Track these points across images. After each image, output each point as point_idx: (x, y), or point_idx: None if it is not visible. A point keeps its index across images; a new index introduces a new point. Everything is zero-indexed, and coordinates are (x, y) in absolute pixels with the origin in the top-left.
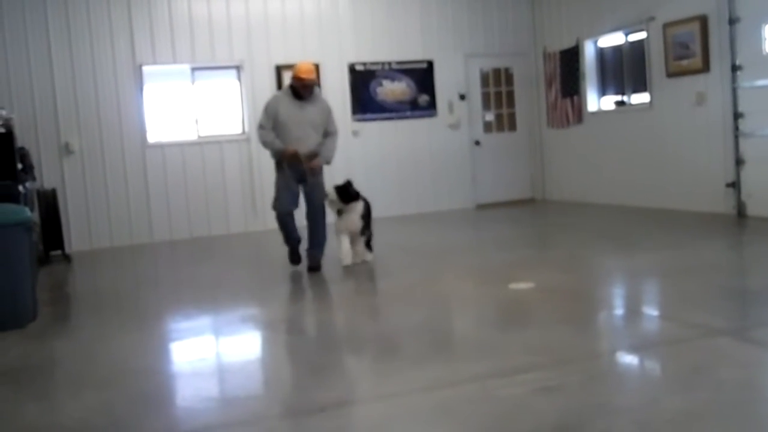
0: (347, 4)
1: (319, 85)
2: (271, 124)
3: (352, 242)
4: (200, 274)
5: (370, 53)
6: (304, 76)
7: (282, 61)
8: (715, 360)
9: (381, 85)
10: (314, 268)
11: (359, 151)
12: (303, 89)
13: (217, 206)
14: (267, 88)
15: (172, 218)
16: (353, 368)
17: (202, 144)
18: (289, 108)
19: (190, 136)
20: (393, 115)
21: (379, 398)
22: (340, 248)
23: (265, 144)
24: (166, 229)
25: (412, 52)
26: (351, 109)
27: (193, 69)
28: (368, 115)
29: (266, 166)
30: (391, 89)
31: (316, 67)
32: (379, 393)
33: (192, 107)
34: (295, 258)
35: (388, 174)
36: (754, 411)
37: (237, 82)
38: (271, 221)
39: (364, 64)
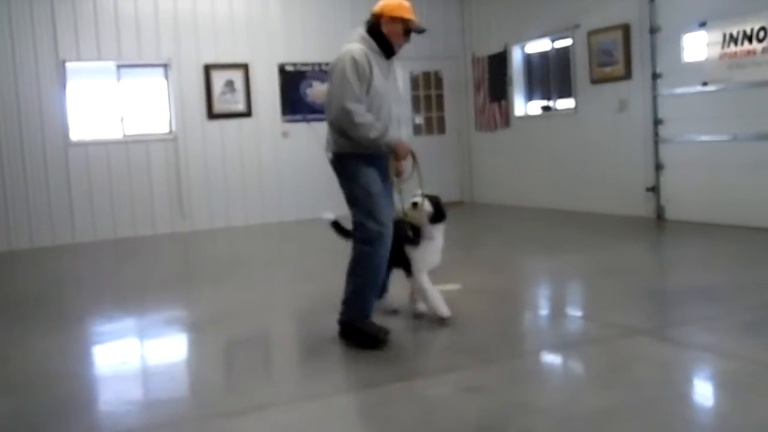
0: (277, 4)
1: (247, 87)
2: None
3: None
4: (125, 275)
5: (301, 54)
6: (412, 17)
7: (211, 60)
8: (632, 359)
9: (311, 86)
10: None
11: (288, 152)
12: (404, 40)
13: (142, 207)
14: (195, 88)
15: (96, 218)
16: (278, 370)
17: (128, 143)
18: (381, 71)
19: (116, 134)
20: (323, 116)
21: (303, 399)
22: (427, 295)
23: (361, 128)
24: (90, 229)
25: None
26: (281, 110)
27: (119, 66)
28: (298, 116)
29: (194, 165)
30: (321, 90)
31: (245, 67)
32: (303, 394)
33: (117, 105)
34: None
35: (317, 175)
36: (668, 408)
37: (164, 81)
38: (200, 221)
39: (294, 64)
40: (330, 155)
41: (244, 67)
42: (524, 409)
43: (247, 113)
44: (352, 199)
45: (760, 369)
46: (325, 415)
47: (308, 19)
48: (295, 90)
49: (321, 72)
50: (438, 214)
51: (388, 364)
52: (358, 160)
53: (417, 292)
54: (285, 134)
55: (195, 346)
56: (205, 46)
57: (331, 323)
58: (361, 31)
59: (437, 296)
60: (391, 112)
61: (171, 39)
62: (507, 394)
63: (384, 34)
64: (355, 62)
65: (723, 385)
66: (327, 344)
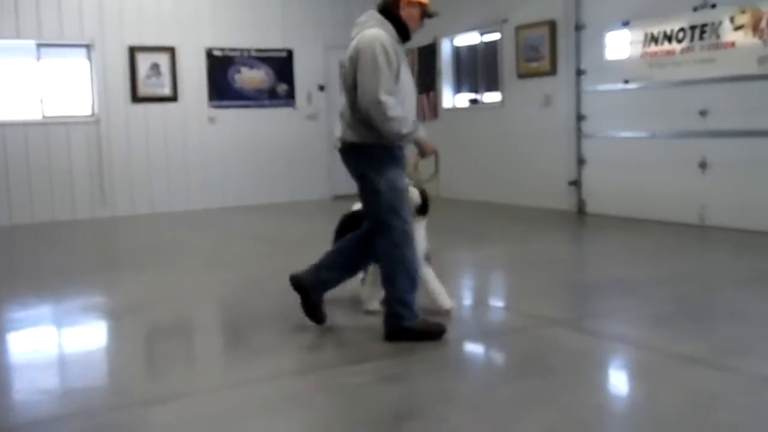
0: None
1: (173, 71)
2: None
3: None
4: (41, 261)
5: (229, 39)
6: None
7: (136, 42)
8: (548, 348)
9: (239, 72)
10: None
11: (215, 138)
12: (419, 25)
13: (62, 191)
14: (119, 70)
15: (13, 202)
16: (199, 358)
17: (48, 125)
18: (403, 61)
19: (34, 116)
20: (251, 103)
21: (224, 388)
22: (429, 287)
23: (394, 122)
24: (5, 213)
25: (272, 40)
26: (208, 95)
27: (39, 45)
28: (225, 102)
29: (117, 149)
30: (250, 77)
31: (172, 50)
32: (224, 383)
33: (37, 86)
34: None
35: (243, 162)
36: (581, 396)
37: (87, 62)
38: (122, 207)
39: (222, 49)
40: (346, 144)
41: (171, 51)
42: (442, 398)
43: (173, 97)
44: (373, 193)
45: (670, 359)
46: (245, 403)
47: (238, 4)
48: (223, 75)
49: (250, 58)
50: (423, 207)
51: (310, 352)
52: (383, 152)
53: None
54: (212, 120)
55: (113, 334)
56: (130, 27)
57: (253, 309)
58: (377, 15)
59: (438, 288)
60: (412, 104)
61: (95, 19)
62: (426, 383)
63: (402, 19)
64: (385, 50)
65: (634, 375)
66: (249, 332)
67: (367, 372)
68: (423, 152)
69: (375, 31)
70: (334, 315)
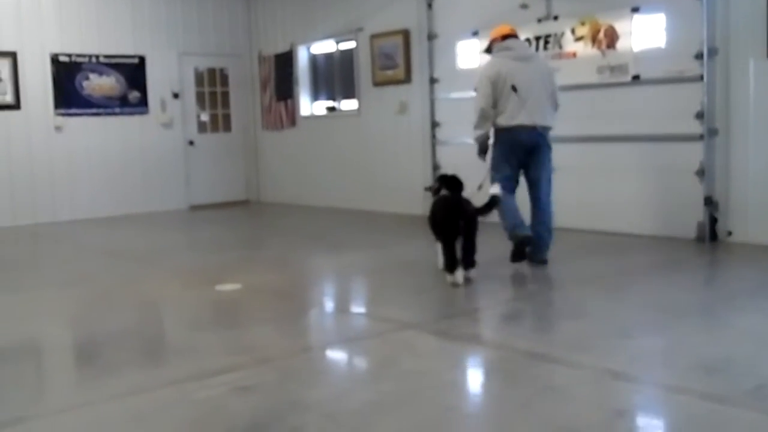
0: None
1: (15, 78)
2: None
3: None
4: None
5: (76, 45)
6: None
7: None
8: (401, 352)
9: (87, 78)
10: None
11: (63, 148)
12: None
13: None
14: None
15: None
16: (42, 380)
17: None
18: None
19: None
20: (101, 110)
21: (66, 410)
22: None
23: None
24: None
25: (123, 46)
26: (53, 103)
27: None
28: (73, 110)
29: None
30: (99, 84)
31: (13, 56)
32: (68, 404)
33: None
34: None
35: (95, 172)
36: (432, 397)
37: None
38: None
39: (69, 55)
40: (547, 128)
41: (12, 56)
42: (296, 407)
43: (16, 105)
44: (550, 170)
45: (517, 356)
46: (89, 425)
47: (85, 8)
48: (69, 82)
49: (99, 64)
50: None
51: (160, 367)
52: None
53: None
54: (59, 128)
55: None
56: None
57: (102, 326)
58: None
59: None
60: None
61: None
62: (279, 393)
63: None
64: None
65: (484, 373)
66: (96, 350)
67: (219, 385)
68: None
69: None
70: (186, 329)
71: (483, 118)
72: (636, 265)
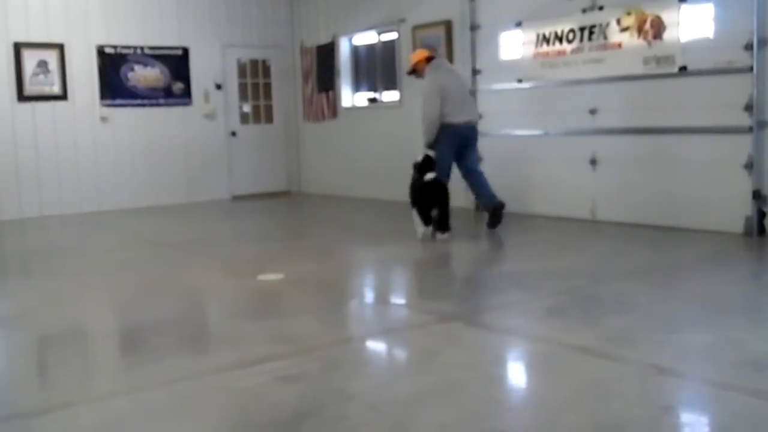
0: None
1: (63, 69)
2: None
3: None
4: None
5: (122, 36)
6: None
7: (22, 38)
8: (444, 344)
9: (132, 70)
10: None
11: (108, 138)
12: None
13: None
14: (3, 67)
15: None
16: (90, 365)
17: None
18: None
19: None
20: (145, 101)
21: (115, 395)
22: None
23: None
24: None
25: (167, 38)
26: (99, 94)
27: None
28: (118, 101)
29: (2, 150)
30: (143, 75)
31: (61, 47)
32: (115, 389)
33: None
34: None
35: (139, 163)
36: (472, 390)
37: None
38: (8, 211)
39: (115, 47)
40: (476, 122)
41: (59, 48)
42: (339, 396)
43: (63, 96)
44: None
45: (562, 349)
46: (136, 410)
47: (130, 0)
48: (115, 74)
49: (144, 56)
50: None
51: (204, 355)
52: None
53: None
54: (104, 119)
55: None
56: (16, 23)
57: (148, 313)
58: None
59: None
60: None
61: None
62: (322, 382)
63: None
64: None
65: (528, 366)
66: (142, 336)
67: (263, 373)
68: None
69: None
70: (226, 320)
71: (433, 125)
72: (682, 259)
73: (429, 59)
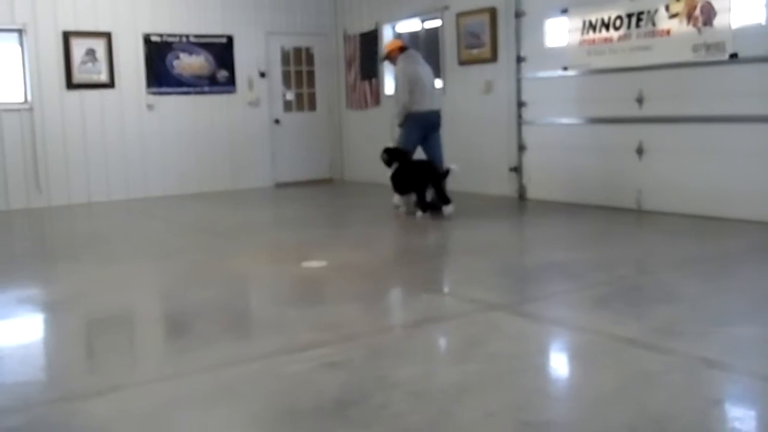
0: None
1: (110, 57)
2: None
3: None
4: None
5: (167, 24)
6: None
7: (71, 27)
8: (488, 333)
9: (178, 58)
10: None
11: (154, 126)
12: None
13: None
14: (53, 55)
15: None
16: (137, 349)
17: None
18: None
19: None
20: (190, 89)
21: (162, 379)
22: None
23: None
24: None
25: (212, 26)
26: (146, 82)
27: None
28: (164, 89)
29: (52, 137)
30: (189, 63)
31: (108, 36)
32: (162, 374)
33: None
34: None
35: (184, 150)
36: (517, 380)
37: (18, 48)
38: (58, 196)
39: (161, 35)
40: (440, 110)
41: (107, 36)
42: (383, 384)
43: (110, 84)
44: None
45: (608, 340)
46: (183, 395)
47: None
48: (161, 62)
49: (189, 44)
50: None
51: (249, 341)
52: None
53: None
54: (150, 107)
55: (49, 326)
56: (64, 11)
57: (193, 299)
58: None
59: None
60: None
61: (27, 2)
62: (366, 370)
63: None
64: None
65: (573, 357)
66: (188, 322)
67: (307, 360)
68: None
69: None
70: (273, 305)
71: (405, 108)
72: (733, 251)
73: (402, 49)
